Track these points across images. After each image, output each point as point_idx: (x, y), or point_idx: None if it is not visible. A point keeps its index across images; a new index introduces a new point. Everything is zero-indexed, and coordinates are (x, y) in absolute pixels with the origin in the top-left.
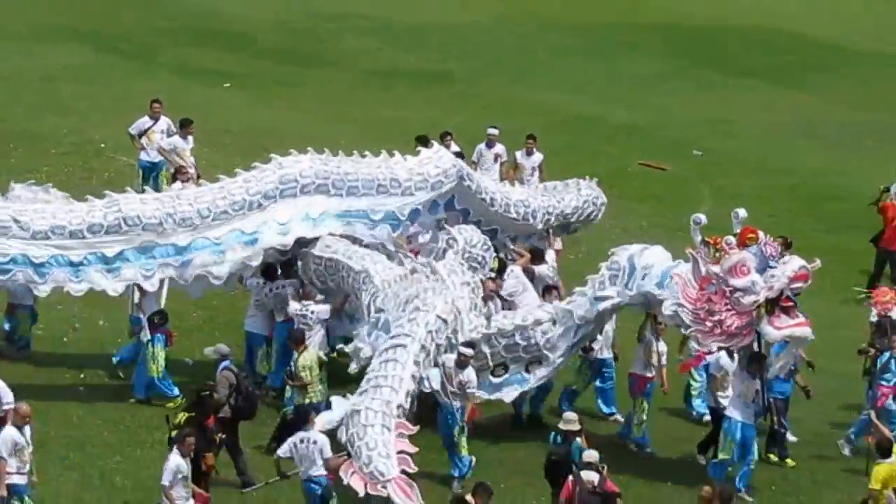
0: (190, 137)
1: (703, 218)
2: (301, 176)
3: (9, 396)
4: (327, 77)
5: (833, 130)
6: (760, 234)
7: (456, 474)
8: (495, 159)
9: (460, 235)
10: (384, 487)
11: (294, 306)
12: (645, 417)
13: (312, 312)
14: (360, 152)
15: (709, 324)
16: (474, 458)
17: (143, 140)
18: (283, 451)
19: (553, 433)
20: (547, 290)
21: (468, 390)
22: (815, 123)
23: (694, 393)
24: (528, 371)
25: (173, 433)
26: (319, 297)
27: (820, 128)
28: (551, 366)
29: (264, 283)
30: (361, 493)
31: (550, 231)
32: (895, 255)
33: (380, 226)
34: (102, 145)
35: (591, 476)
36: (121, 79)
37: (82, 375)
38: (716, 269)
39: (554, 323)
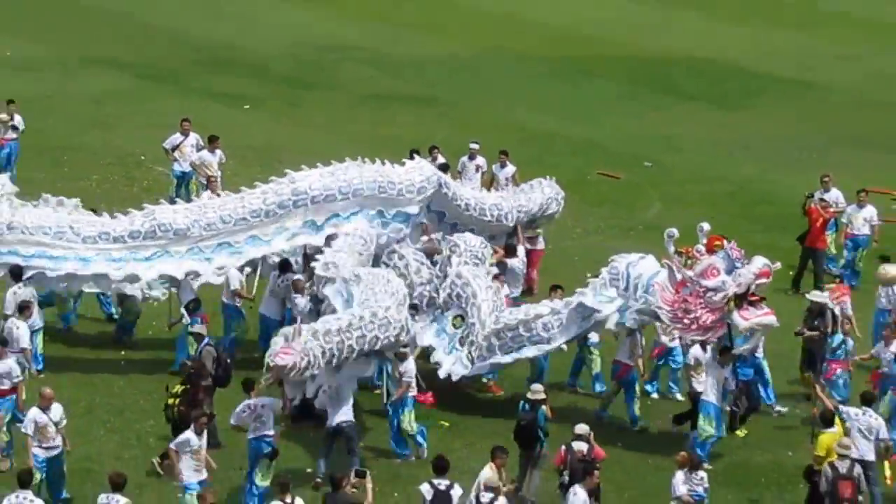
0: (218, 151)
1: (675, 232)
2: (311, 188)
3: (16, 371)
4: (330, 100)
5: (763, 145)
6: (725, 241)
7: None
8: (476, 169)
9: (461, 241)
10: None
11: (299, 300)
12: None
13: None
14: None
15: (686, 321)
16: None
17: (176, 153)
18: (234, 420)
19: (522, 402)
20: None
21: (405, 379)
22: (749, 139)
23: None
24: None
25: (169, 401)
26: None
27: (752, 143)
28: (544, 350)
29: (279, 274)
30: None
31: (520, 228)
32: (818, 252)
33: (392, 224)
34: (142, 157)
35: (580, 446)
36: (156, 101)
37: (122, 352)
38: (690, 273)
39: (554, 315)
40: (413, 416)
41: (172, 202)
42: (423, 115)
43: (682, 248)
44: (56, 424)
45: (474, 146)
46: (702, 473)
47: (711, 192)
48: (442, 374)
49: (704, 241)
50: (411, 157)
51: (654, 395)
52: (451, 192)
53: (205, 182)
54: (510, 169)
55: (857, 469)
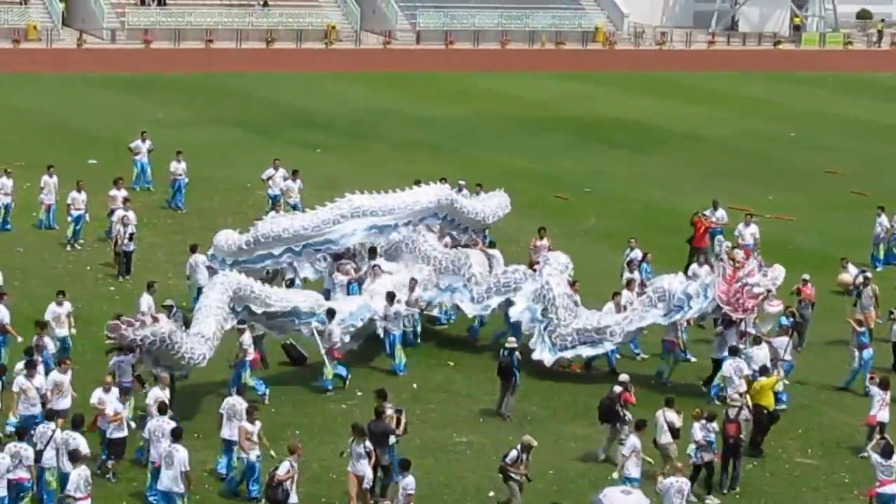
0: (298, 181)
1: (727, 244)
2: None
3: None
4: (375, 146)
5: (664, 177)
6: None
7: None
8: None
9: (553, 257)
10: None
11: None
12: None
13: None
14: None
15: (735, 305)
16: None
17: (270, 182)
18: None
19: (502, 349)
20: (628, 285)
21: (243, 347)
22: (655, 174)
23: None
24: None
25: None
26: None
27: (657, 176)
28: (614, 345)
29: (368, 257)
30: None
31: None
32: (700, 249)
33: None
34: (248, 185)
35: (617, 389)
36: (256, 147)
37: None
38: (739, 273)
39: (617, 325)
40: (249, 373)
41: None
42: (436, 157)
43: (728, 254)
44: None
45: (462, 182)
46: (713, 424)
47: (630, 210)
48: (534, 356)
49: (724, 253)
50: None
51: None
52: (457, 202)
53: (290, 203)
54: (482, 196)
55: (744, 414)
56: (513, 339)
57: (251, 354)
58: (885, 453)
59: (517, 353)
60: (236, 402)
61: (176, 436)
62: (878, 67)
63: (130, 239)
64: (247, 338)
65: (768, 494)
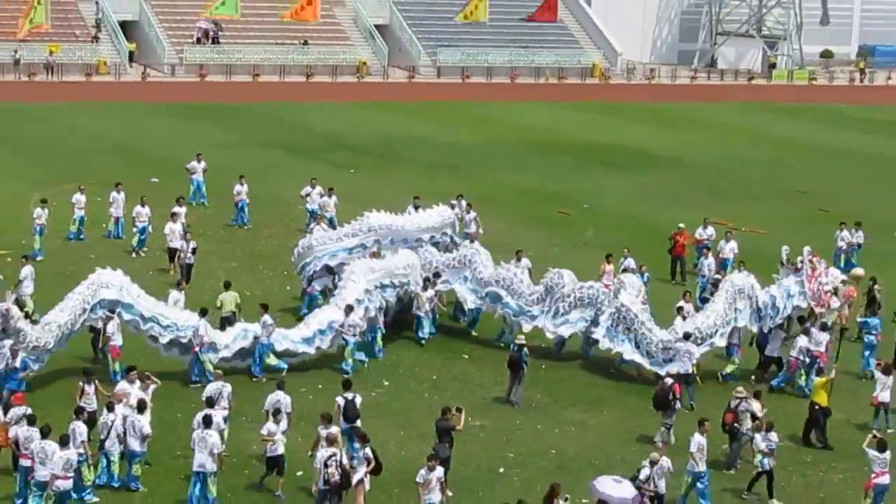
0: (333, 197)
1: (808, 249)
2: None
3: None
4: (401, 167)
5: (654, 195)
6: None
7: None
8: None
9: (627, 280)
10: None
11: None
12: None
13: None
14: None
15: (817, 298)
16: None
17: (308, 198)
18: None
19: (512, 344)
20: (683, 296)
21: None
22: (646, 192)
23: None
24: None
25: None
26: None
27: (648, 194)
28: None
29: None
30: None
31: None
32: (681, 258)
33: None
34: (290, 201)
35: (668, 381)
36: (296, 166)
37: None
38: (816, 272)
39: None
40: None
41: (308, 230)
42: (455, 176)
43: (813, 255)
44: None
45: (460, 195)
46: (773, 434)
47: (624, 224)
48: (626, 357)
49: (785, 256)
50: (415, 205)
51: None
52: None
53: (327, 217)
54: (472, 214)
55: (743, 405)
56: (521, 336)
57: (115, 342)
58: (880, 448)
59: (525, 348)
60: (280, 398)
61: (206, 423)
62: (840, 99)
63: (193, 253)
64: (111, 327)
65: (739, 471)
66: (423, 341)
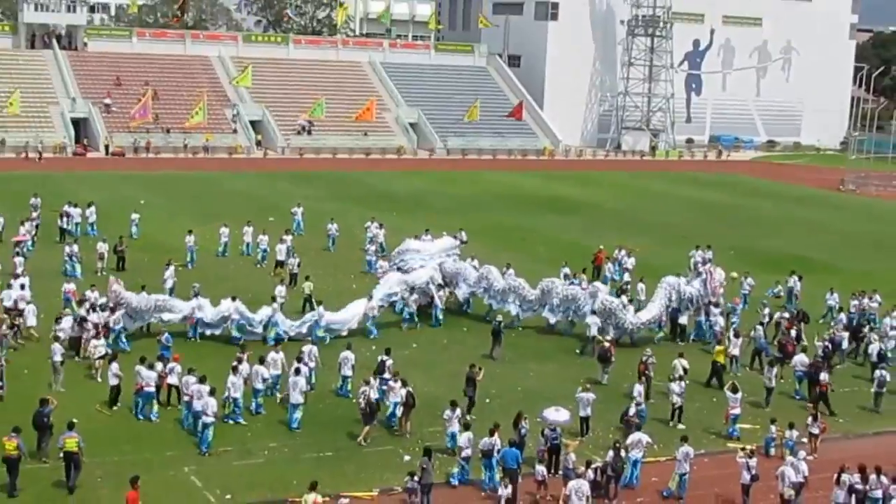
0: (383, 230)
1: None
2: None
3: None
4: (424, 212)
5: (583, 228)
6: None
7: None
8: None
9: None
10: None
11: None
12: None
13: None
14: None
15: (714, 291)
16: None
17: (367, 230)
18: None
19: (494, 321)
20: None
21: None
22: (578, 226)
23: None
24: None
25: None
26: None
27: (578, 228)
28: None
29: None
30: None
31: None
32: (599, 267)
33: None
34: (356, 232)
35: (606, 344)
36: (357, 211)
37: None
38: (712, 275)
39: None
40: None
41: (366, 251)
42: (458, 216)
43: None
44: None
45: (461, 230)
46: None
47: (561, 245)
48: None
49: (708, 265)
50: (427, 234)
51: None
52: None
53: (379, 242)
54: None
55: (651, 360)
56: (500, 315)
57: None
58: (732, 390)
59: (502, 322)
60: (347, 354)
61: (297, 372)
62: (698, 169)
63: (298, 266)
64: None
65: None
66: (438, 321)
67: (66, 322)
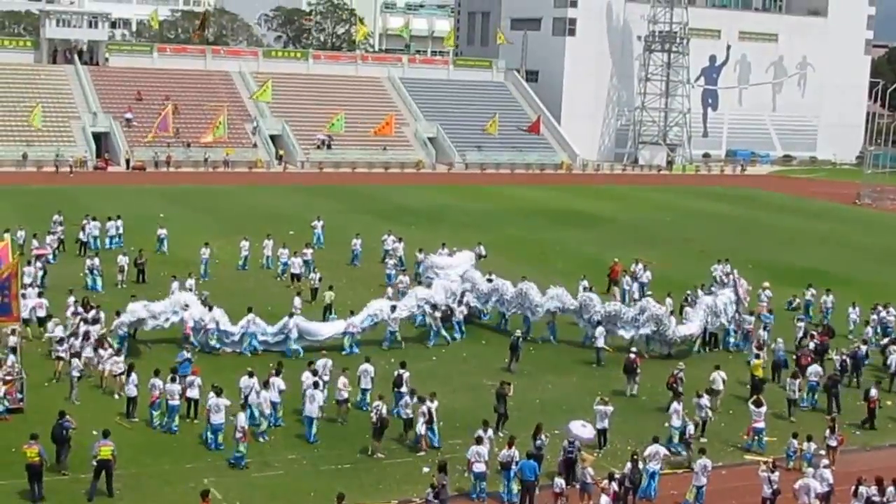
0: (401, 243)
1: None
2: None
3: None
4: (444, 226)
5: (600, 242)
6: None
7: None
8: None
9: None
10: None
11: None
12: None
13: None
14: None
15: (744, 297)
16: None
17: (384, 243)
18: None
19: (513, 335)
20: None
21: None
22: (595, 240)
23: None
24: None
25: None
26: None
27: (595, 241)
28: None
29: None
30: None
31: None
32: (615, 280)
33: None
34: (373, 247)
35: (632, 356)
36: (377, 225)
37: None
38: (740, 282)
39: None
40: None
41: (384, 264)
42: (477, 230)
43: None
44: None
45: (480, 243)
46: (705, 399)
47: (579, 260)
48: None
49: (734, 274)
50: (442, 247)
51: None
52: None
53: (397, 255)
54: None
55: (681, 374)
56: (518, 332)
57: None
58: (756, 405)
59: (521, 338)
60: (367, 367)
61: (315, 386)
62: (714, 183)
63: (320, 280)
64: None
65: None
66: (459, 335)
67: (59, 329)
